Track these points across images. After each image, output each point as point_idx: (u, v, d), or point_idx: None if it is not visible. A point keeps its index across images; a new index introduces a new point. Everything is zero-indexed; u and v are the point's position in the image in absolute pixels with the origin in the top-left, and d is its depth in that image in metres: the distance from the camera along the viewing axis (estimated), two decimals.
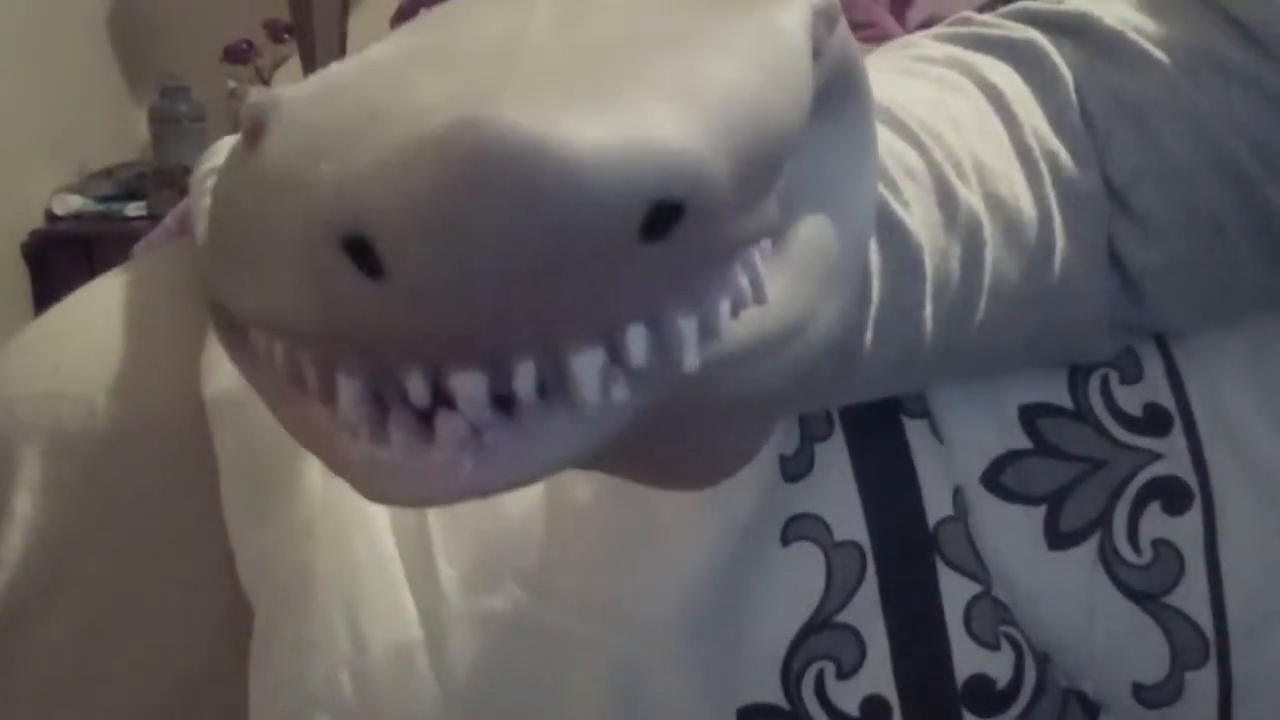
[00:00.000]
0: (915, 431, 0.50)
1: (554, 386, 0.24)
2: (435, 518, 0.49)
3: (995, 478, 0.50)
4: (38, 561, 0.53)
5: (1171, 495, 0.50)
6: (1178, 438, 0.50)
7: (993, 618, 0.48)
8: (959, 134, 0.45)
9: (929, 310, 0.43)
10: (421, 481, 0.24)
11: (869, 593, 0.48)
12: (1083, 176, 0.47)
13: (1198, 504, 0.49)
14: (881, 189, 0.41)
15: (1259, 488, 0.50)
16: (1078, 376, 0.51)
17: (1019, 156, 0.46)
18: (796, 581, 0.48)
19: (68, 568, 0.53)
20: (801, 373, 0.31)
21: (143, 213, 2.04)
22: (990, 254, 0.44)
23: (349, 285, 0.22)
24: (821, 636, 0.48)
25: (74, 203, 2.09)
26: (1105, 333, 0.49)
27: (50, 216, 2.08)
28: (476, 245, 0.20)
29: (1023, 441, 0.50)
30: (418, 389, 0.23)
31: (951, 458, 0.50)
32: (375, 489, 0.25)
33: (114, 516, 0.53)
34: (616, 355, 0.24)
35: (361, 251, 0.21)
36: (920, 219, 0.42)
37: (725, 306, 0.26)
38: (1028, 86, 0.48)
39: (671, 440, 0.32)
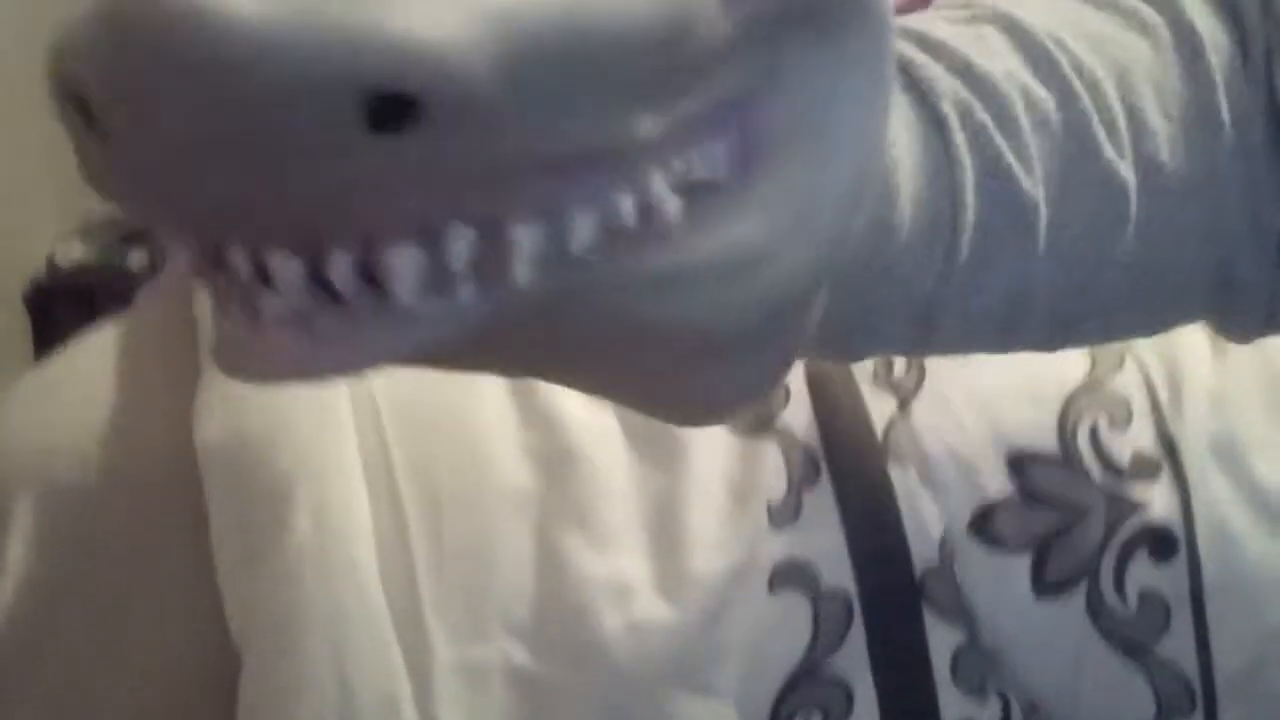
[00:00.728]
0: (902, 478, 0.50)
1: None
2: (424, 568, 0.49)
3: (982, 525, 0.50)
4: (28, 613, 0.53)
5: (1158, 544, 0.50)
6: (1165, 485, 0.50)
7: (980, 667, 0.48)
8: (1125, 84, 0.40)
9: (1042, 274, 0.39)
10: (251, 359, 0.23)
11: (856, 641, 0.48)
12: (1273, 148, 0.41)
13: (1183, 553, 0.50)
14: (997, 136, 0.38)
15: (1245, 539, 0.50)
16: (1067, 423, 0.51)
17: (1200, 118, 0.41)
18: (784, 630, 0.48)
19: (58, 619, 0.53)
20: (766, 309, 0.29)
21: (145, 263, 2.04)
22: (1134, 224, 0.40)
23: (86, 140, 0.21)
24: (809, 685, 0.48)
25: (77, 252, 2.09)
26: (1260, 320, 0.44)
27: (52, 266, 2.09)
28: (161, 108, 0.20)
29: (1010, 489, 0.50)
30: (240, 264, 0.23)
31: (938, 505, 0.50)
32: (219, 360, 0.24)
33: (104, 567, 0.53)
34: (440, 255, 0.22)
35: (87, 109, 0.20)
36: (1043, 175, 0.38)
37: (586, 222, 0.24)
38: (1229, 39, 0.42)
39: (632, 366, 0.30)
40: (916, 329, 0.39)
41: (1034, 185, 0.38)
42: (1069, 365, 0.53)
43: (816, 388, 0.52)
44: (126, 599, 0.53)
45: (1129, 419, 0.51)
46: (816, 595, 0.48)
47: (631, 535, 0.49)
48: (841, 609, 0.48)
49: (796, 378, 0.52)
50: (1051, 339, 0.42)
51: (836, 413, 0.51)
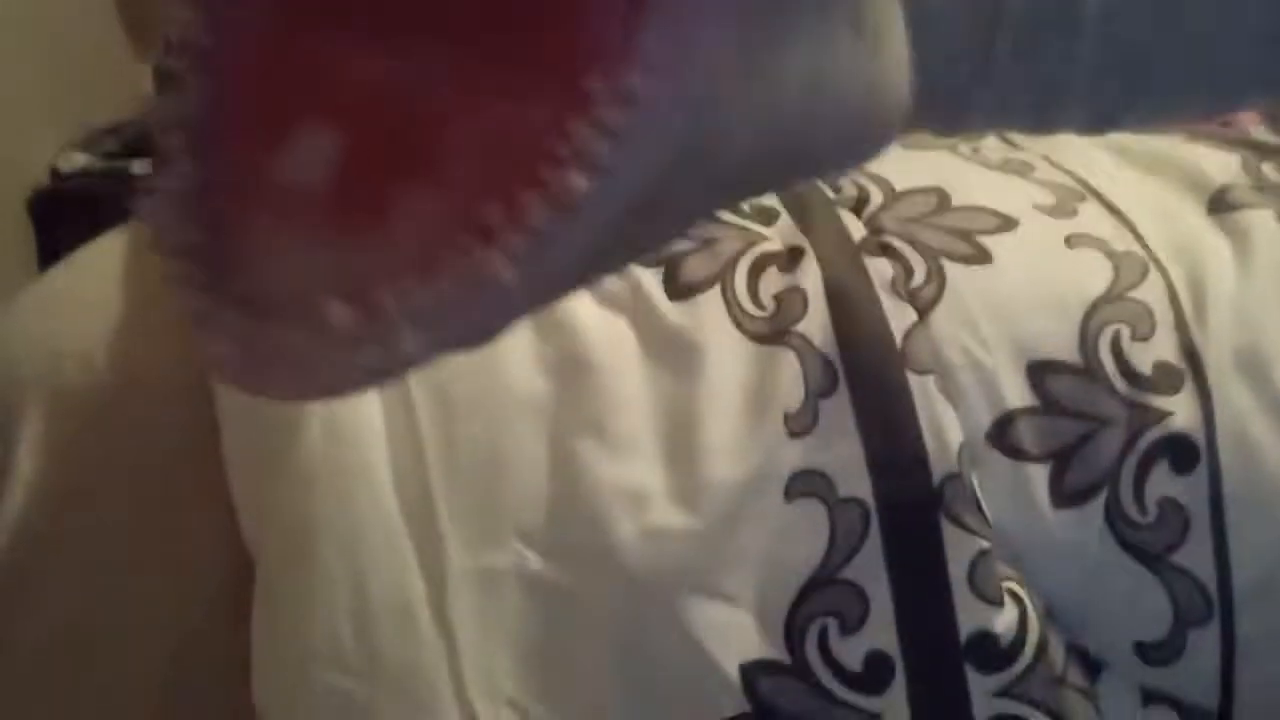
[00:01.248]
0: (921, 387, 0.49)
1: None
2: (438, 474, 0.49)
3: (1001, 434, 0.49)
4: (39, 520, 0.53)
5: (1179, 453, 0.49)
6: (1187, 396, 0.50)
7: (996, 574, 0.48)
8: None
9: (1085, 65, 0.38)
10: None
11: (872, 549, 0.48)
12: None
13: (1204, 463, 0.49)
14: None
15: (1266, 450, 0.49)
16: (1088, 333, 0.51)
17: None
18: (799, 537, 0.48)
19: (69, 526, 0.53)
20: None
21: (148, 170, 2.03)
22: (1190, 17, 0.39)
23: None
24: (825, 592, 0.48)
25: (79, 160, 2.08)
26: None
27: (55, 174, 2.07)
28: None
29: (1030, 399, 0.50)
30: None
31: (957, 414, 0.49)
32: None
33: (115, 476, 0.53)
34: None
35: None
36: None
37: None
38: None
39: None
40: (947, 116, 0.39)
41: None
42: (1091, 275, 0.52)
43: (834, 297, 0.51)
44: (137, 508, 0.53)
45: (1152, 329, 0.51)
46: (833, 503, 0.48)
47: (646, 443, 0.49)
48: (858, 517, 0.48)
49: (814, 287, 0.51)
50: (1090, 126, 0.42)
51: (854, 322, 0.51)
